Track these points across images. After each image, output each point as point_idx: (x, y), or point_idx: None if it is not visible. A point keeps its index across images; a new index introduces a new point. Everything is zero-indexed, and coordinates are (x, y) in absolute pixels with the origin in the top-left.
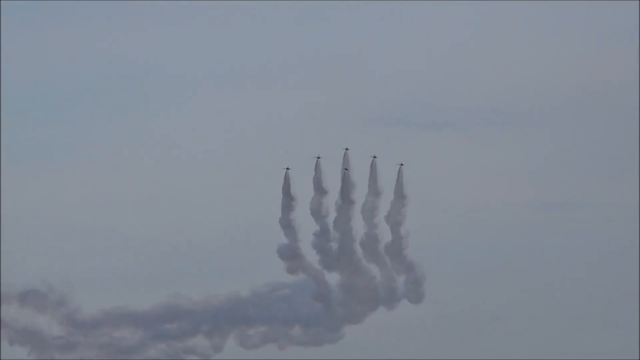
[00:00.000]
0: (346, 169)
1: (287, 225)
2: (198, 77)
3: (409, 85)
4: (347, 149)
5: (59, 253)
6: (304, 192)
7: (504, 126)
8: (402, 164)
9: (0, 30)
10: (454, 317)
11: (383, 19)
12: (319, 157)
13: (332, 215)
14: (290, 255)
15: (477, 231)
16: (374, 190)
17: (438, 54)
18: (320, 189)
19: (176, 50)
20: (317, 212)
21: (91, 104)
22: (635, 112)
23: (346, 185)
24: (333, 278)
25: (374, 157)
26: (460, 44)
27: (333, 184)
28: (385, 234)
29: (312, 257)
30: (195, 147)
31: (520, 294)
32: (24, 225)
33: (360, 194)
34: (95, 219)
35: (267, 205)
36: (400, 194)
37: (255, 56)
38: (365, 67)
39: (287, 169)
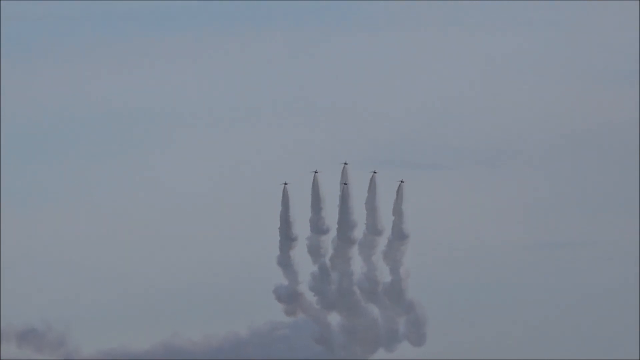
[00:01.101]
0: (345, 184)
1: (286, 264)
2: (192, 117)
3: (403, 125)
4: (346, 164)
5: (58, 293)
6: (302, 208)
7: (502, 166)
8: (402, 181)
9: None
10: (455, 357)
11: (376, 59)
12: (316, 172)
13: (329, 253)
14: (288, 297)
15: (474, 271)
16: (374, 227)
17: (431, 93)
18: (317, 214)
19: (169, 90)
20: (316, 252)
21: (89, 146)
22: (633, 151)
23: (345, 203)
24: (334, 319)
25: (374, 172)
26: (454, 82)
27: (332, 195)
28: (384, 274)
29: (310, 297)
30: (192, 187)
31: (521, 334)
32: (24, 265)
33: (359, 231)
34: (94, 260)
35: (266, 244)
36: (399, 225)
37: (245, 96)
38: (358, 108)
39: (285, 183)
